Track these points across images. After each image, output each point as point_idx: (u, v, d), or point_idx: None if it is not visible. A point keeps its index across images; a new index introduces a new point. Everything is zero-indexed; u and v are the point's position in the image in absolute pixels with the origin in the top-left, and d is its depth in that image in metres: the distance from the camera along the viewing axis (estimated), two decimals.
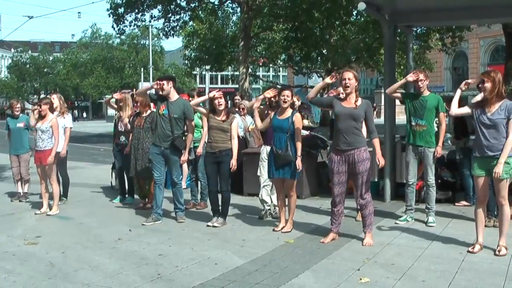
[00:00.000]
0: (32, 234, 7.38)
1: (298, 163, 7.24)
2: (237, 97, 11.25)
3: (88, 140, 28.76)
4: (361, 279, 5.26)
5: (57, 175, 9.76)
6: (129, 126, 9.25)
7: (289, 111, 7.33)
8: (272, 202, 8.19)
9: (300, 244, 6.67)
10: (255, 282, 5.23)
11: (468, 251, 6.11)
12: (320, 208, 8.79)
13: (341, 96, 6.80)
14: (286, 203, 7.53)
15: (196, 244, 6.75)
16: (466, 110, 6.32)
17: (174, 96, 8.04)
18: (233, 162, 7.67)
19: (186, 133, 8.23)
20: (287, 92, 7.35)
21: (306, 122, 8.80)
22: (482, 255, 6.02)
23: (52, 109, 9.17)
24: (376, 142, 6.69)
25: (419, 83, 7.57)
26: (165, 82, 7.96)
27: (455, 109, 6.39)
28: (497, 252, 6.02)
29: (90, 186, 11.64)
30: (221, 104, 7.72)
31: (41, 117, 8.93)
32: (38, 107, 8.98)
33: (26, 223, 8.22)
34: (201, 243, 6.81)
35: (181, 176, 8.46)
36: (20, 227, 7.91)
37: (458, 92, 6.44)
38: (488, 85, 6.01)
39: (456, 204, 8.87)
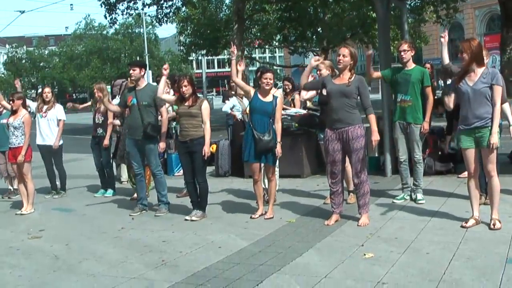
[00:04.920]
0: (35, 228, 7.38)
1: (278, 150, 7.01)
2: None
3: (88, 132, 28.62)
4: (365, 254, 5.26)
5: (53, 168, 9.73)
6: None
7: (271, 94, 7.10)
8: (265, 186, 7.77)
9: (303, 223, 6.67)
10: (259, 263, 5.24)
11: (462, 226, 5.97)
12: (321, 187, 8.77)
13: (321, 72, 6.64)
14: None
15: (199, 228, 6.75)
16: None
17: (142, 83, 7.83)
18: (205, 149, 7.14)
19: (160, 120, 7.91)
20: (269, 75, 7.05)
21: (309, 103, 8.71)
22: (485, 225, 5.95)
23: (24, 105, 8.85)
24: (372, 118, 6.43)
25: (402, 53, 7.35)
26: (137, 69, 7.75)
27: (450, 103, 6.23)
28: (491, 226, 5.85)
29: (91, 178, 11.57)
30: (184, 92, 7.23)
31: (13, 112, 8.67)
32: (11, 102, 8.69)
33: (29, 218, 8.23)
34: (204, 227, 6.82)
35: (160, 166, 8.01)
36: (23, 222, 7.91)
37: (444, 46, 6.78)
38: (465, 55, 5.84)
39: (459, 176, 8.79)
